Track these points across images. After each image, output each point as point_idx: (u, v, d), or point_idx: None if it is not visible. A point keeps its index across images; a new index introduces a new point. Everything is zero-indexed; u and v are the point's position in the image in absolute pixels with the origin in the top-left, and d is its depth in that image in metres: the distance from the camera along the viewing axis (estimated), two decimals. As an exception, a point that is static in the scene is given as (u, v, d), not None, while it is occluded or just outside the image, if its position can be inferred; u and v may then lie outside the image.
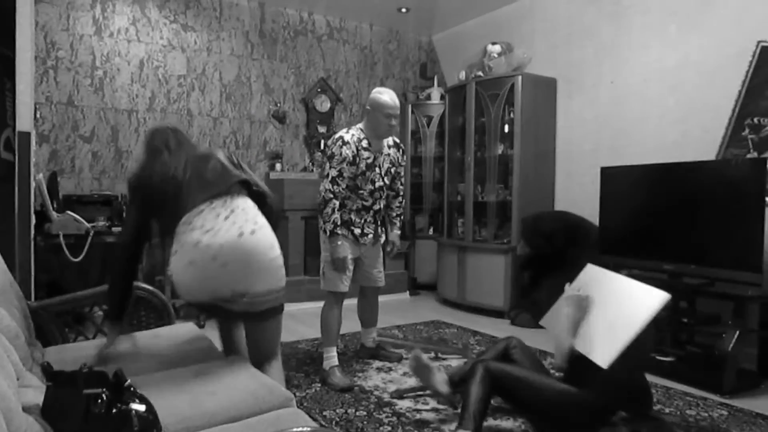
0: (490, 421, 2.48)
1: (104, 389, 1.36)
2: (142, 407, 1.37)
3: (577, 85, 4.80)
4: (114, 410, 1.33)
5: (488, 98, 5.01)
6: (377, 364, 3.40)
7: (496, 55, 5.09)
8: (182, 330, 2.37)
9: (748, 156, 3.56)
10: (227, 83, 5.25)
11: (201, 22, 5.10)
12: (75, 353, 1.98)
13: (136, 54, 4.82)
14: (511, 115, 4.87)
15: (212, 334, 2.37)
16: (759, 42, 3.53)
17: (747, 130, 3.60)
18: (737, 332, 2.98)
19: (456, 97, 5.36)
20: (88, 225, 3.88)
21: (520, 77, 4.78)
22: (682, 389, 3.00)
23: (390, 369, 3.29)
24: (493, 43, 5.14)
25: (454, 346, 3.69)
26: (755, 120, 3.56)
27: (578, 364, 2.19)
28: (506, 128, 4.97)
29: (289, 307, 4.86)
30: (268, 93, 5.47)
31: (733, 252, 3.15)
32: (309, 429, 0.90)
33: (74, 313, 2.50)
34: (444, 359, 3.42)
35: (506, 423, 2.50)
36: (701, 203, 3.43)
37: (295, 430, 0.88)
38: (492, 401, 2.24)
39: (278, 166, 5.42)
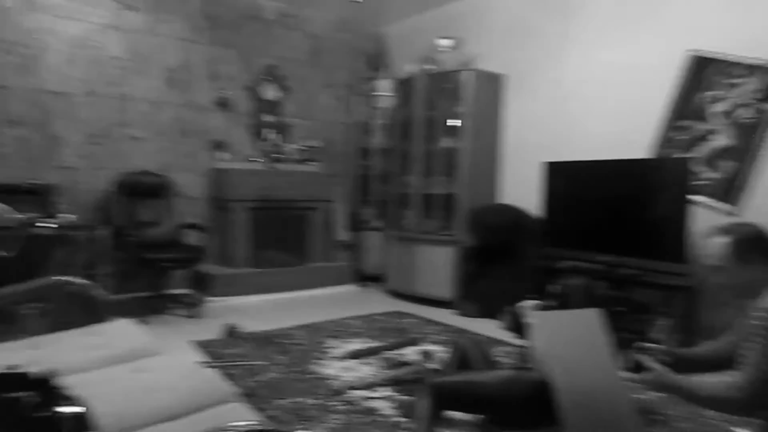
0: None
1: (29, 392, 1.29)
2: (74, 409, 1.31)
3: (524, 81, 4.90)
4: (41, 414, 1.27)
5: (437, 91, 5.04)
6: (336, 352, 3.41)
7: (445, 49, 5.13)
8: (120, 326, 2.29)
9: (677, 155, 3.73)
10: (170, 67, 5.06)
11: (143, 1, 4.89)
12: (5, 354, 1.88)
13: (69, 32, 4.57)
14: (459, 109, 4.93)
15: (153, 329, 2.30)
16: (689, 50, 3.71)
17: (677, 132, 3.78)
18: (665, 319, 3.14)
19: (405, 90, 5.37)
20: (19, 216, 3.67)
21: (468, 72, 4.84)
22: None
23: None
24: (444, 38, 5.17)
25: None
26: (684, 122, 3.74)
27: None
28: (454, 122, 5.01)
29: (236, 300, 4.79)
30: (214, 79, 5.32)
31: (662, 244, 3.32)
32: (245, 423, 0.88)
33: (1, 312, 2.37)
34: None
35: None
36: (635, 199, 3.60)
37: (232, 424, 0.86)
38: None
39: (222, 155, 5.28)
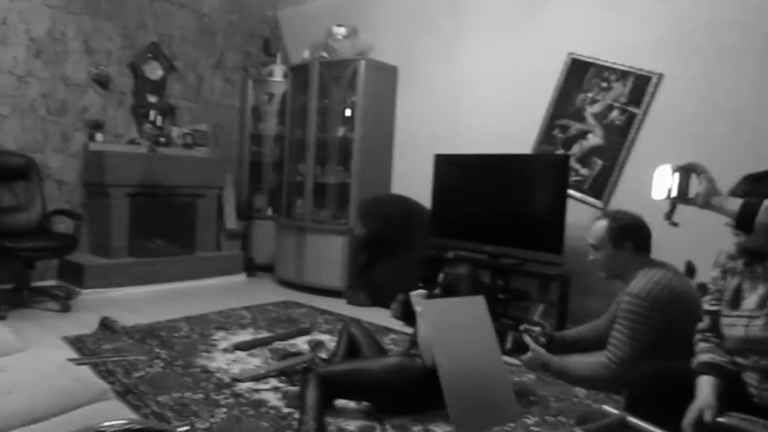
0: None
1: None
2: None
3: (417, 74, 5.00)
4: None
5: (332, 80, 5.02)
6: (224, 344, 3.30)
7: (341, 38, 5.10)
8: (-26, 320, 2.06)
9: (556, 152, 4.00)
10: (36, 37, 4.58)
11: (4, -37, 4.39)
12: None
13: None
14: (354, 98, 4.94)
15: (15, 325, 2.09)
16: (569, 53, 3.97)
17: (557, 130, 4.05)
18: (541, 305, 3.37)
19: (299, 76, 5.29)
20: None
21: (363, 62, 4.85)
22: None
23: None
24: (339, 25, 5.14)
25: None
26: (563, 121, 4.01)
27: None
28: (348, 111, 5.03)
29: (113, 293, 4.48)
30: (89, 53, 4.89)
31: (541, 236, 3.55)
32: (119, 422, 0.82)
33: None
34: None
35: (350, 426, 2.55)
36: (517, 192, 3.82)
37: (105, 424, 0.80)
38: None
39: (99, 136, 4.89)
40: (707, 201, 1.55)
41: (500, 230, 3.80)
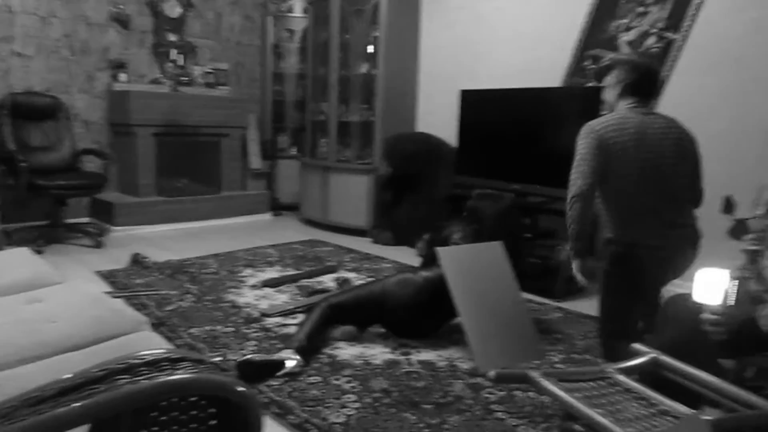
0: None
1: None
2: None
3: (441, 6, 4.82)
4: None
5: (353, 14, 4.87)
6: (252, 281, 3.37)
7: (361, -31, 4.91)
8: (14, 256, 2.13)
9: (588, 85, 3.86)
10: (56, -25, 4.52)
11: None
12: None
13: (-68, -72, 3.95)
14: (376, 33, 4.80)
15: (52, 259, 2.16)
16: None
17: (588, 61, 3.89)
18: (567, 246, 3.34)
19: (320, 11, 5.14)
20: None
21: (385, -6, 4.68)
22: (525, 296, 3.32)
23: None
24: (359, -45, 4.93)
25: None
26: (595, 51, 3.85)
27: None
28: (370, 47, 4.90)
29: (143, 230, 4.59)
30: (108, -9, 4.82)
31: (569, 173, 3.47)
32: (160, 351, 0.84)
33: None
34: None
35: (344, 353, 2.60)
36: (546, 127, 3.71)
37: (143, 353, 0.82)
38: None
39: (122, 76, 4.88)
40: None
41: (527, 168, 3.73)
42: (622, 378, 1.52)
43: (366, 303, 2.51)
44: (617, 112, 2.21)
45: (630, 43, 3.68)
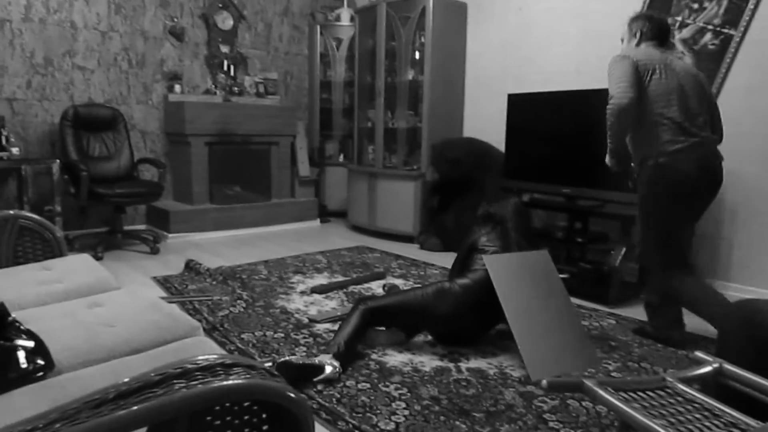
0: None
1: (-16, 326, 1.25)
2: (29, 343, 1.27)
3: (487, 10, 4.78)
4: (-4, 347, 1.23)
5: (399, 21, 4.88)
6: (301, 287, 3.41)
7: (407, -25, 4.92)
8: (76, 261, 2.22)
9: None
10: (115, -7, 4.73)
11: None
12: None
13: (3, -47, 4.20)
14: (422, 39, 4.80)
15: (110, 265, 2.24)
16: (657, -27, 3.64)
17: (642, 61, 3.76)
18: (623, 249, 3.23)
19: (366, 19, 5.18)
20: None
21: (431, 0, 4.68)
22: (576, 302, 3.24)
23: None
24: (405, -38, 4.95)
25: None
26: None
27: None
28: (417, 54, 4.90)
29: (196, 237, 4.72)
30: (164, 6, 5.00)
31: (622, 175, 3.37)
32: (214, 356, 0.86)
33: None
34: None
35: (393, 359, 2.59)
36: (596, 129, 3.61)
37: (198, 358, 0.84)
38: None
39: (177, 87, 5.05)
40: None
41: (578, 171, 3.64)
42: (683, 388, 1.45)
43: (407, 310, 2.48)
44: (639, 50, 2.58)
45: (685, 41, 3.55)
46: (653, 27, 2.60)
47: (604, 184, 3.45)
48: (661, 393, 1.44)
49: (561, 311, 2.50)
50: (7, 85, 4.30)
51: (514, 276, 2.48)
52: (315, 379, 2.12)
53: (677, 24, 3.57)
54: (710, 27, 3.44)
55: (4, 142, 3.81)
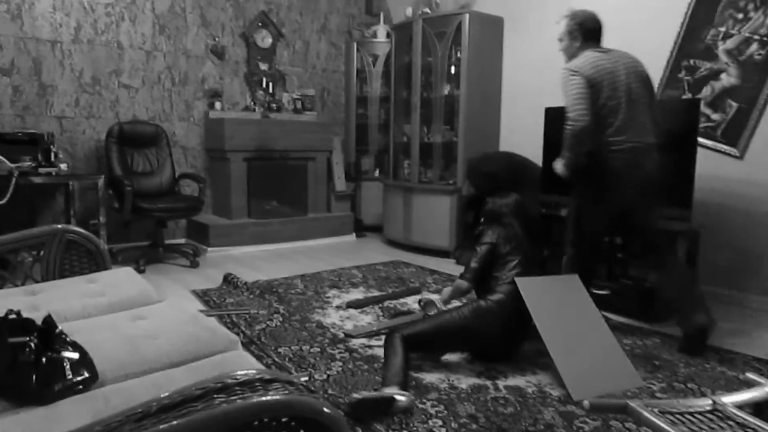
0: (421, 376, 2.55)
1: (32, 337, 1.29)
2: (75, 355, 1.30)
3: (523, 24, 4.75)
4: (44, 359, 1.26)
5: (435, 36, 4.90)
6: (337, 302, 3.42)
7: (443, -9, 4.96)
8: (120, 275, 2.27)
9: (684, 97, 3.65)
10: (160, 14, 4.89)
11: (128, -55, 4.68)
12: (3, 300, 1.87)
13: (56, -21, 4.41)
14: (458, 54, 4.80)
15: (152, 278, 2.29)
16: (699, -17, 3.57)
17: (683, 72, 3.68)
18: (667, 265, 3.13)
19: (402, 35, 5.22)
20: (11, 165, 3.62)
21: (467, 15, 4.69)
22: (618, 320, 3.15)
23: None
24: (441, -22, 4.99)
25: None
26: (691, 62, 3.64)
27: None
28: (453, 68, 4.91)
29: (234, 250, 4.79)
30: (206, 26, 5.15)
31: (667, 189, 3.28)
32: (253, 372, 0.87)
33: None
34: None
35: (429, 376, 2.56)
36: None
37: (238, 373, 0.85)
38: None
39: (218, 104, 5.18)
40: None
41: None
42: (734, 411, 1.39)
43: (445, 333, 2.43)
44: (585, 56, 2.74)
45: (729, 52, 3.46)
46: (585, 32, 2.83)
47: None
48: (711, 416, 1.39)
49: (597, 332, 2.45)
50: (57, 104, 4.48)
51: (546, 297, 2.45)
52: (393, 411, 2.02)
53: (720, 35, 3.49)
54: (756, 37, 3.34)
55: (53, 158, 3.95)
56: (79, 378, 1.29)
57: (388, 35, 5.72)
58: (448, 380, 2.33)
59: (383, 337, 2.78)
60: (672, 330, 2.99)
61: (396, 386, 2.11)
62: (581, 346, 2.35)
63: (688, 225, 3.24)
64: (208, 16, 5.14)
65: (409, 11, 5.21)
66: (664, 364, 2.55)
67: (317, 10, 5.85)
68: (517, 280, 2.44)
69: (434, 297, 3.52)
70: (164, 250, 4.50)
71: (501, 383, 2.32)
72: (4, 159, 3.62)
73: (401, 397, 2.04)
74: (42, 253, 2.30)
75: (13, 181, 3.58)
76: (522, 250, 2.59)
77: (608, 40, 4.10)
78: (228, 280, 3.78)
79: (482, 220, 2.81)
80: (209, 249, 4.74)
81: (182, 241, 5.03)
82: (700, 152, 3.33)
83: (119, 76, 4.75)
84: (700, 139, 3.40)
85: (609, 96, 2.66)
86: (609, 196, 2.72)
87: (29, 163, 3.81)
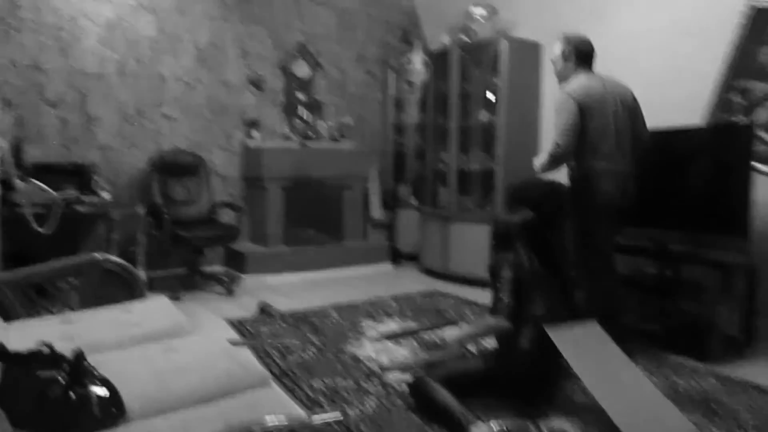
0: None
1: (61, 371, 1.26)
2: (103, 391, 1.27)
3: (563, 49, 4.67)
4: (72, 394, 1.22)
5: (472, 63, 4.87)
6: (372, 333, 3.34)
7: (480, 18, 4.93)
8: (155, 304, 2.26)
9: (736, 120, 3.49)
10: (201, 47, 5.01)
11: (172, -19, 4.84)
12: (39, 329, 1.86)
13: (104, 14, 4.56)
14: (496, 80, 4.74)
15: (188, 306, 2.27)
16: (748, 2, 3.43)
17: (734, 93, 3.53)
18: (723, 300, 2.95)
19: (439, 63, 5.21)
20: (55, 194, 3.70)
21: (504, 41, 4.64)
22: (670, 358, 2.97)
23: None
24: (476, 5, 4.96)
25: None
26: (743, 83, 3.49)
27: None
28: (490, 95, 4.85)
29: (270, 279, 4.78)
30: (245, 57, 5.25)
31: (719, 218, 3.11)
32: (282, 418, 0.80)
33: (38, 287, 2.37)
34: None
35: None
36: (688, 169, 3.38)
37: (264, 420, 0.79)
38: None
39: (255, 134, 5.24)
40: None
41: (668, 212, 3.39)
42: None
43: (469, 378, 2.32)
44: (578, 80, 2.85)
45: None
46: (579, 56, 2.92)
47: (699, 227, 3.20)
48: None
49: (636, 379, 2.28)
50: (101, 135, 4.60)
51: (581, 349, 2.28)
52: None
53: (775, 55, 3.33)
54: (814, 57, 3.18)
55: (96, 187, 4.03)
56: (106, 415, 1.25)
57: (425, 63, 5.72)
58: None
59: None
60: (731, 371, 2.79)
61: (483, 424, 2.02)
62: (626, 393, 2.19)
63: (746, 258, 3.05)
64: (247, 48, 5.24)
65: (445, 38, 5.20)
66: (723, 410, 2.35)
67: (354, 39, 5.90)
68: (551, 333, 2.27)
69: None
70: (201, 278, 4.51)
71: (544, 426, 2.18)
72: (48, 189, 3.70)
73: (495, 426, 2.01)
74: (80, 281, 2.32)
75: (59, 210, 3.65)
76: (539, 283, 2.39)
77: (654, 63, 4.01)
78: (262, 309, 3.75)
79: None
80: (246, 276, 4.73)
81: (219, 268, 5.05)
82: (758, 178, 3.15)
83: (160, 107, 4.86)
84: (757, 164, 3.22)
85: (598, 122, 2.78)
86: (602, 215, 2.85)
87: (73, 193, 3.89)
